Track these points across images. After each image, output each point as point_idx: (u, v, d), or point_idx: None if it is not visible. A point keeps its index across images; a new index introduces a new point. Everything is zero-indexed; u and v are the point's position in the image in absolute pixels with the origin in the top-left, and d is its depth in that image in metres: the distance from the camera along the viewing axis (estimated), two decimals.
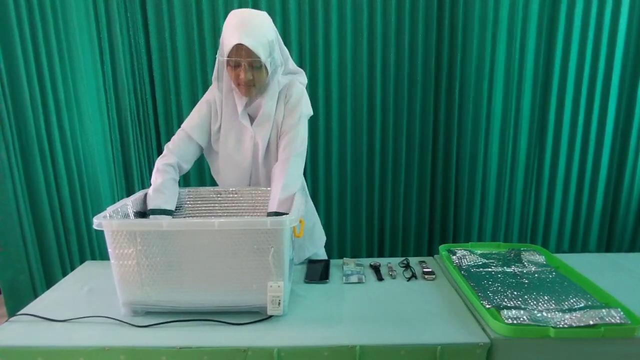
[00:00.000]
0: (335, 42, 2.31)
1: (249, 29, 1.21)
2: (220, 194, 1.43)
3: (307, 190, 1.61)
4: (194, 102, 2.37)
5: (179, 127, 2.43)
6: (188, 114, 2.32)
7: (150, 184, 1.35)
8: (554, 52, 2.36)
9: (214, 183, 2.47)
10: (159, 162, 1.37)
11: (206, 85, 2.36)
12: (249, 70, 1.24)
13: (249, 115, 1.39)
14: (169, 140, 2.40)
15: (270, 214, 1.25)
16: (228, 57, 1.23)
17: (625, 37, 2.34)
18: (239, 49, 1.20)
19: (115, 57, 2.22)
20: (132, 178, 2.36)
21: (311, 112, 1.43)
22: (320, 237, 1.63)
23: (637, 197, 2.56)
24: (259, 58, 1.21)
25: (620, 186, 2.55)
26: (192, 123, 1.41)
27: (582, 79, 2.39)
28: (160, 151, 2.45)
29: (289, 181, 1.28)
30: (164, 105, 2.39)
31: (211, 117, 1.41)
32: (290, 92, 1.37)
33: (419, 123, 2.44)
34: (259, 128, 1.37)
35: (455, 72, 2.37)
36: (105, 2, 2.15)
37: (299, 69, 1.44)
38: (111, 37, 2.20)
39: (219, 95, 1.37)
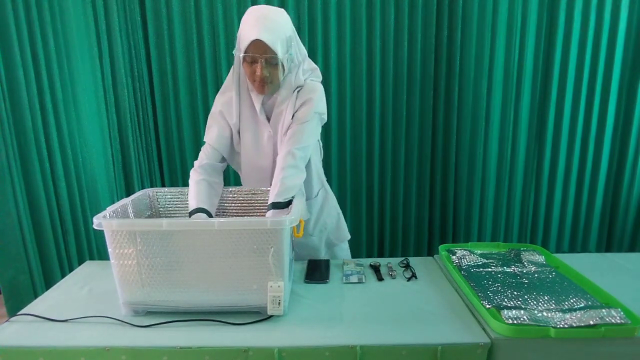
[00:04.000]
0: (334, 42, 2.31)
1: (267, 24, 1.20)
2: (220, 194, 1.43)
3: (327, 187, 1.61)
4: (192, 102, 2.39)
5: (178, 126, 2.46)
6: (187, 114, 2.38)
7: (151, 185, 1.35)
8: (553, 51, 2.36)
9: None
10: (191, 172, 1.37)
11: (205, 85, 2.36)
12: (266, 66, 1.23)
13: (265, 113, 1.38)
14: (168, 140, 2.44)
15: (269, 206, 1.25)
16: (245, 52, 1.22)
17: (625, 36, 2.35)
18: (256, 44, 1.19)
19: (114, 57, 2.22)
20: (132, 178, 2.36)
21: (325, 115, 1.41)
22: (345, 232, 1.63)
23: (636, 197, 2.56)
24: (276, 54, 1.21)
25: (620, 186, 2.55)
26: (213, 134, 1.39)
27: (582, 79, 2.39)
28: (159, 151, 2.47)
29: (287, 175, 1.26)
30: (163, 106, 2.39)
31: (229, 124, 1.39)
32: (307, 90, 1.35)
33: (418, 123, 2.44)
34: (275, 126, 1.36)
35: (454, 72, 2.37)
36: (104, 2, 2.15)
37: (315, 65, 1.42)
38: (110, 38, 2.20)
39: (236, 97, 1.35)
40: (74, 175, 2.09)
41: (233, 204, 1.44)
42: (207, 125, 1.42)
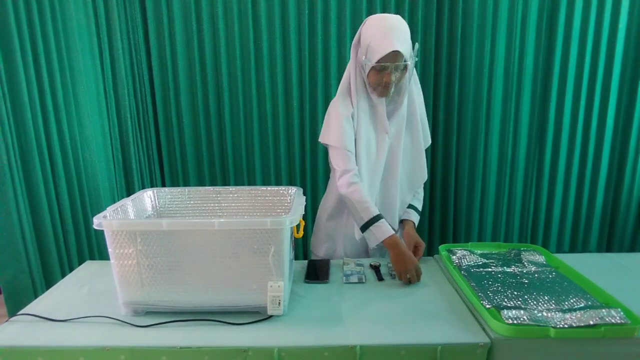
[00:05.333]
0: (334, 42, 2.31)
1: (398, 34, 1.29)
2: (220, 194, 1.43)
3: None
4: (193, 102, 2.39)
5: (178, 126, 2.46)
6: (187, 114, 2.39)
7: (151, 185, 1.35)
8: (553, 52, 2.36)
9: (213, 183, 2.49)
10: (344, 181, 1.39)
11: (205, 85, 2.36)
12: (394, 72, 1.31)
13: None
14: (168, 140, 2.44)
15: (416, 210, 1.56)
16: (379, 62, 1.28)
17: (625, 37, 2.34)
18: (391, 55, 1.26)
19: (114, 57, 2.22)
20: (132, 178, 2.36)
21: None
22: None
23: (637, 197, 2.56)
24: (407, 62, 1.30)
25: (621, 186, 2.55)
26: (343, 138, 1.40)
27: (582, 78, 2.39)
28: (159, 151, 2.47)
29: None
30: (164, 106, 2.39)
31: (352, 127, 1.42)
32: (422, 104, 1.48)
33: None
34: (394, 128, 1.43)
35: (455, 72, 2.36)
36: (104, 3, 2.15)
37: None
38: (111, 38, 2.20)
39: (355, 100, 1.40)
40: (75, 175, 2.09)
41: (233, 204, 1.44)
42: (334, 130, 1.40)
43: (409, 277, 1.26)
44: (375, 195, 1.48)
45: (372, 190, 1.46)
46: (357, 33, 1.39)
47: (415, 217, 1.56)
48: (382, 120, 1.41)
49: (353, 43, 1.39)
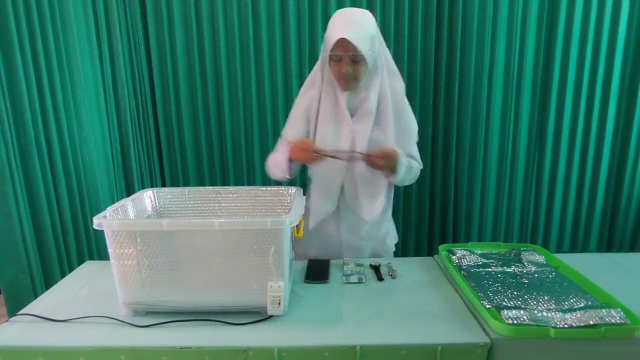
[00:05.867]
0: None
1: (351, 23, 1.28)
2: (220, 194, 1.43)
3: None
4: (193, 102, 2.40)
5: (178, 126, 2.46)
6: (187, 113, 2.39)
7: (151, 185, 1.35)
8: (553, 52, 2.36)
9: (213, 183, 2.49)
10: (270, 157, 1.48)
11: (205, 85, 2.36)
12: (350, 63, 1.30)
13: (349, 110, 1.42)
14: (168, 140, 2.44)
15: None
16: (331, 51, 1.29)
17: (625, 38, 2.34)
18: (341, 43, 1.26)
19: (114, 58, 2.22)
20: (132, 178, 2.36)
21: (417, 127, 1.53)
22: (393, 236, 1.69)
23: (637, 197, 2.56)
24: (360, 52, 1.26)
25: (621, 186, 2.55)
26: (291, 129, 1.47)
27: (582, 79, 2.39)
28: (159, 151, 2.47)
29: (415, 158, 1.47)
30: (164, 105, 2.39)
31: (309, 120, 1.45)
32: (399, 99, 1.44)
33: (418, 123, 2.43)
34: (359, 123, 1.40)
35: (454, 73, 2.37)
36: (104, 3, 2.15)
37: (397, 70, 1.47)
38: (110, 38, 2.20)
39: (317, 93, 1.41)
40: (74, 175, 2.09)
41: (233, 204, 1.44)
42: (287, 121, 1.50)
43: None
44: (339, 188, 1.49)
45: (334, 185, 1.48)
46: None
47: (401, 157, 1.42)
48: (344, 113, 1.40)
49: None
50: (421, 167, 1.52)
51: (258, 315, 1.09)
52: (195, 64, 2.33)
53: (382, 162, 1.32)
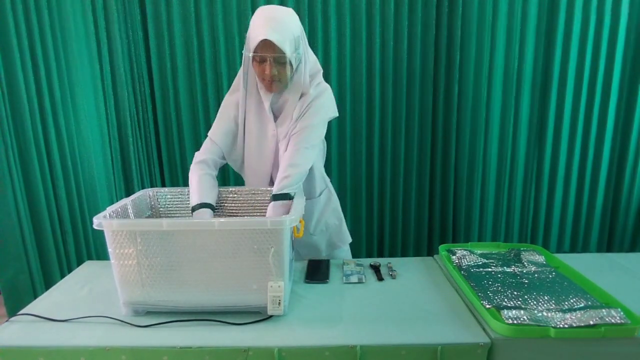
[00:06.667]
0: (334, 43, 2.31)
1: (275, 24, 1.23)
2: (220, 194, 1.43)
3: (331, 188, 1.63)
4: (192, 102, 2.39)
5: (178, 126, 2.46)
6: (187, 113, 2.39)
7: (151, 185, 1.35)
8: (553, 51, 2.36)
9: None
10: (192, 165, 1.40)
11: (205, 85, 2.36)
12: (274, 65, 1.26)
13: (273, 112, 1.40)
14: (168, 140, 2.44)
15: (271, 198, 1.28)
16: (254, 52, 1.24)
17: (625, 36, 2.34)
18: (265, 44, 1.22)
19: (114, 58, 2.22)
20: (132, 179, 2.36)
21: (336, 114, 1.45)
22: (347, 235, 1.65)
23: (637, 197, 2.56)
24: (284, 54, 1.23)
25: (621, 186, 2.55)
26: (216, 129, 1.44)
27: (582, 78, 2.39)
28: (159, 151, 2.47)
29: (295, 162, 1.30)
30: (163, 105, 2.39)
31: (235, 121, 1.42)
32: (317, 92, 1.38)
33: (418, 123, 2.44)
34: (281, 126, 1.38)
35: (454, 73, 2.36)
36: (103, 3, 2.15)
37: (320, 67, 1.44)
38: (110, 39, 2.19)
39: (243, 92, 1.38)
40: (73, 175, 2.09)
41: (233, 204, 1.44)
42: (215, 121, 1.45)
43: None
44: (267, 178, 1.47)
45: (264, 183, 1.46)
46: None
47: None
48: (267, 116, 1.38)
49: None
50: (315, 142, 1.38)
51: (258, 315, 1.09)
52: (195, 64, 2.33)
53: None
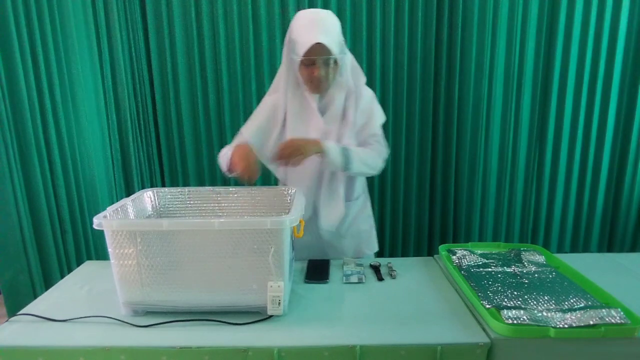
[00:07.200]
0: None
1: (323, 27, 1.27)
2: (220, 194, 1.43)
3: (368, 194, 1.66)
4: (193, 103, 2.40)
5: (178, 126, 2.46)
6: (187, 113, 2.39)
7: (151, 185, 1.35)
8: (553, 52, 2.36)
9: (213, 183, 2.49)
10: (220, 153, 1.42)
11: (205, 85, 2.36)
12: (323, 67, 1.28)
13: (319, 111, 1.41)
14: (168, 140, 2.44)
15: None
16: (305, 56, 1.25)
17: (626, 37, 2.35)
18: (315, 47, 1.24)
19: (114, 58, 2.22)
20: (132, 178, 2.36)
21: (384, 117, 1.51)
22: (375, 244, 1.66)
23: (638, 197, 2.56)
24: (334, 55, 1.26)
25: (622, 186, 2.55)
26: (249, 126, 1.45)
27: (583, 78, 2.39)
28: (159, 151, 2.47)
29: (371, 162, 1.40)
30: (163, 105, 2.39)
31: (274, 121, 1.43)
32: (363, 94, 1.42)
33: (418, 123, 2.44)
34: (329, 124, 1.40)
35: (455, 73, 2.37)
36: (104, 3, 2.15)
37: (358, 65, 1.46)
38: (110, 38, 2.20)
39: (283, 97, 1.39)
40: (73, 175, 2.09)
41: (233, 204, 1.44)
42: (248, 119, 1.47)
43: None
44: (317, 190, 1.47)
45: (310, 181, 1.45)
46: (288, 30, 1.36)
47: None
48: (314, 116, 1.39)
49: (285, 41, 1.37)
50: (386, 151, 1.48)
51: (258, 315, 1.09)
52: (195, 64, 2.33)
53: (288, 150, 1.26)
